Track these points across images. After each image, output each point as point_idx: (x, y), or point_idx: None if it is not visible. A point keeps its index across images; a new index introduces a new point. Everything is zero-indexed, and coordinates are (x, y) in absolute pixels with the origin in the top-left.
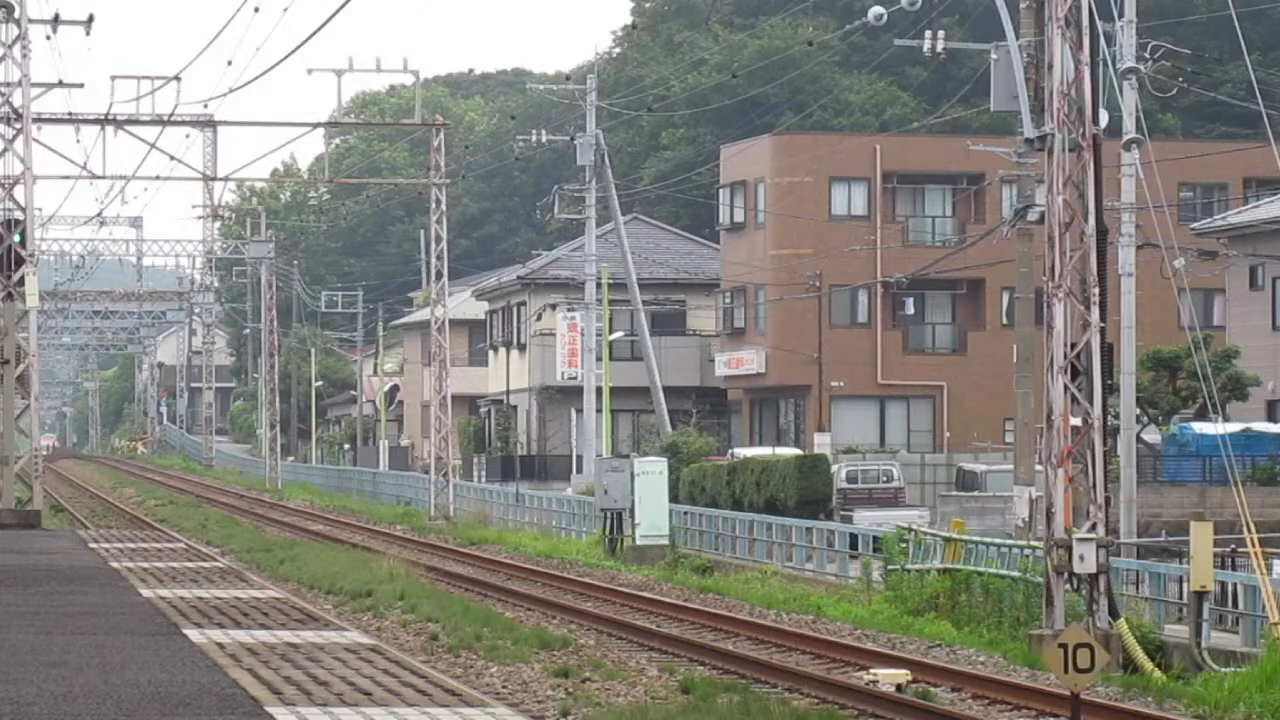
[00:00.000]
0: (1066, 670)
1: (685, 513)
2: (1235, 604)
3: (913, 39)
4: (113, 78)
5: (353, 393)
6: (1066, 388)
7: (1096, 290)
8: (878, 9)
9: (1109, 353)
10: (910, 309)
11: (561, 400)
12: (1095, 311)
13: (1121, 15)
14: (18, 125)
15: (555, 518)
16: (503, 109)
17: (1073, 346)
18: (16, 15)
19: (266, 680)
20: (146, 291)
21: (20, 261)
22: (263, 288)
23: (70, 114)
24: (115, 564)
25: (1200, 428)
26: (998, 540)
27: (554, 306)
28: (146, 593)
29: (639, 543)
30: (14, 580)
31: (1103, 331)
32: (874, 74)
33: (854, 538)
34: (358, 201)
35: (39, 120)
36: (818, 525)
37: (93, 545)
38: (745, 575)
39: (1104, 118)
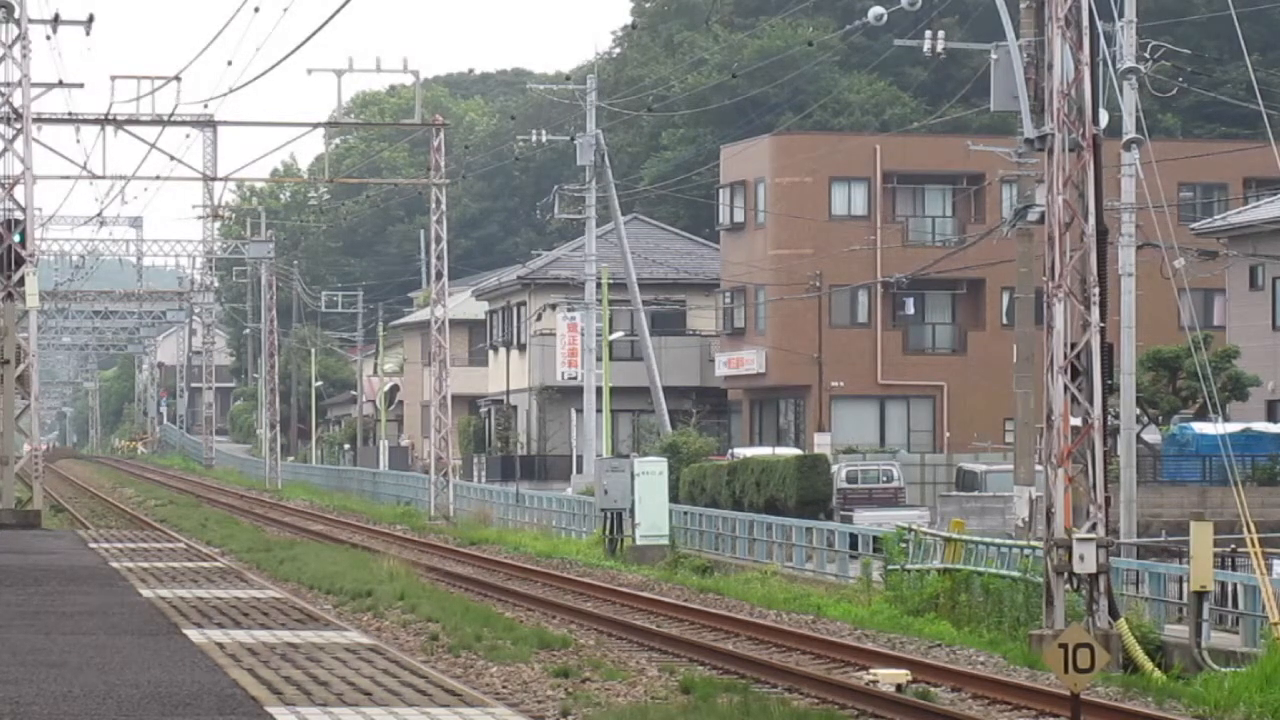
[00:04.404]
0: (1066, 670)
1: (685, 513)
2: (1235, 604)
3: (913, 39)
4: (113, 78)
5: (353, 393)
6: (1066, 388)
7: (1096, 290)
8: (878, 9)
9: (1109, 353)
10: (910, 309)
11: (561, 400)
12: (1095, 311)
13: (1121, 15)
14: (18, 125)
15: (555, 518)
16: (503, 109)
17: (1073, 346)
18: (16, 15)
19: (266, 680)
20: (146, 291)
21: (20, 261)
22: (263, 288)
23: (70, 114)
24: (115, 564)
25: (1200, 428)
26: (998, 540)
27: (554, 306)
28: (146, 593)
29: (639, 543)
30: (14, 580)
31: (1103, 331)
32: (874, 74)
33: (854, 538)
34: (358, 201)
35: (39, 120)
36: (818, 525)
37: (93, 545)
38: (745, 575)
39: (1104, 118)
